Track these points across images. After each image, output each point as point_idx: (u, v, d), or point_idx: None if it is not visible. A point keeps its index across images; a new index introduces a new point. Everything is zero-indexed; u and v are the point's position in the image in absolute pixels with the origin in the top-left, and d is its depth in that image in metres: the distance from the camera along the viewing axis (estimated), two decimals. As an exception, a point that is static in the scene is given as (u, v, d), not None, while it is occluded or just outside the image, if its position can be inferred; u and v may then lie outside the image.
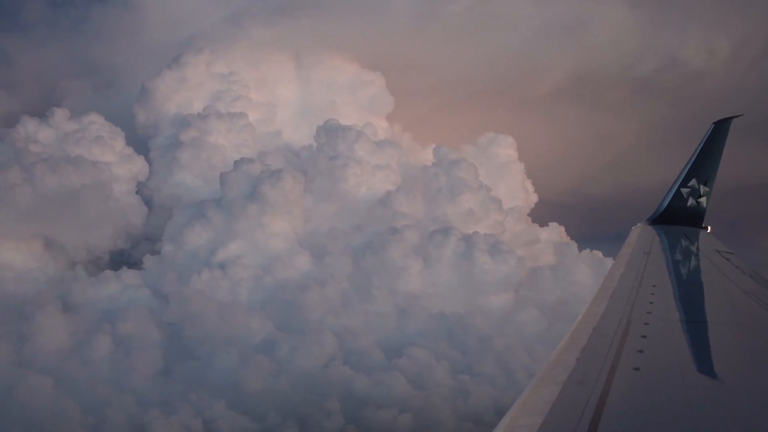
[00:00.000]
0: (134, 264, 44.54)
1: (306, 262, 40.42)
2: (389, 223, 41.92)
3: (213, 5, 64.12)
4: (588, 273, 42.43)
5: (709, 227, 14.23)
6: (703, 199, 14.39)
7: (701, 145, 14.61)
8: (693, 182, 14.35)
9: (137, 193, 47.07)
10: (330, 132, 46.80)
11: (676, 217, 14.37)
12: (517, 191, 51.20)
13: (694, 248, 12.45)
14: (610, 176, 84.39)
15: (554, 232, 50.87)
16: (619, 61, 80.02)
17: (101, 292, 38.67)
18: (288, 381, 32.53)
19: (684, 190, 14.36)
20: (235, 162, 43.16)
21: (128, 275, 40.21)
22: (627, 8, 76.50)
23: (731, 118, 14.69)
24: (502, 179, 49.80)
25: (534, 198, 53.14)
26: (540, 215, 53.99)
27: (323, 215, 44.14)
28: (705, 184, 14.36)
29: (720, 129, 14.63)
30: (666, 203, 14.65)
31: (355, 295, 38.35)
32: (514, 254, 41.56)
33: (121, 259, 46.62)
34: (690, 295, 8.38)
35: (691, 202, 14.31)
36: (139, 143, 48.65)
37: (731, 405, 4.24)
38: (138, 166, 47.22)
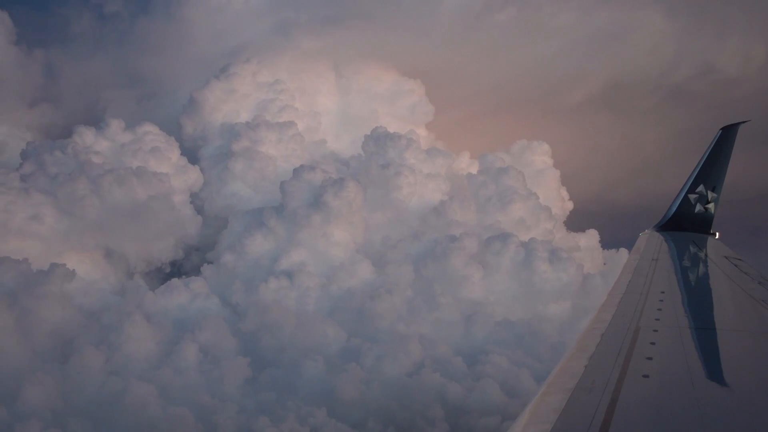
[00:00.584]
0: (191, 273, 44.18)
1: (368, 271, 40.06)
2: (444, 232, 41.57)
3: (258, 16, 63.88)
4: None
5: (717, 233, 13.90)
6: (711, 205, 14.11)
7: (709, 151, 14.30)
8: (701, 188, 14.09)
9: (190, 203, 46.89)
10: (379, 140, 46.59)
11: (684, 224, 14.11)
12: (553, 198, 50.44)
13: (702, 254, 12.09)
14: (635, 183, 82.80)
15: (593, 239, 49.95)
16: (653, 68, 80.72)
17: (171, 301, 38.38)
18: (379, 388, 32.08)
19: (692, 196, 14.09)
20: (295, 170, 43.03)
21: (196, 284, 39.68)
22: (664, 16, 75.66)
23: (739, 123, 14.38)
24: (537, 186, 48.88)
25: (569, 205, 52.39)
26: (570, 222, 53.19)
27: (377, 224, 43.80)
28: (713, 190, 14.08)
29: (727, 135, 14.31)
30: (674, 209, 14.39)
31: (420, 303, 37.77)
32: (573, 261, 40.94)
33: (178, 269, 46.65)
34: (699, 302, 8.19)
35: (699, 208, 14.04)
36: (186, 153, 48.34)
37: (741, 413, 4.24)
38: (193, 176, 47.07)
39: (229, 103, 50.48)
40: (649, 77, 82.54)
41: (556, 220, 47.89)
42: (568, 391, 4.40)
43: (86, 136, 46.29)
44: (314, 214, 40.88)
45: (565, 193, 52.32)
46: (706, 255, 11.93)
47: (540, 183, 49.99)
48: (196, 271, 43.74)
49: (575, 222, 50.59)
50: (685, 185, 14.50)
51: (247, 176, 46.19)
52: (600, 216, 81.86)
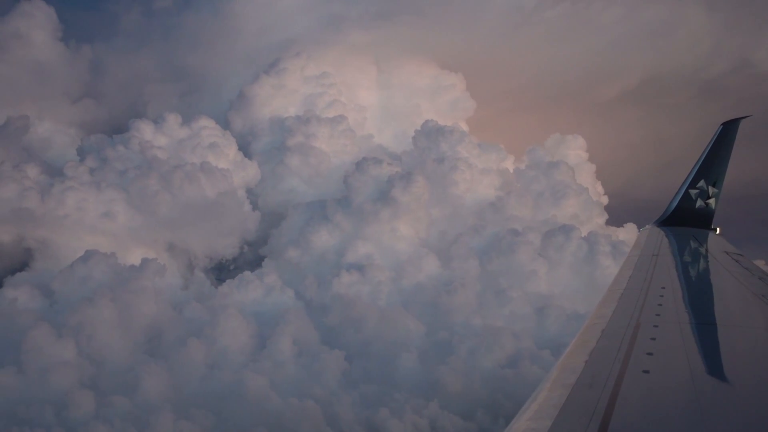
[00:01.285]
0: (248, 268, 42.59)
1: (434, 265, 39.54)
2: (503, 226, 41.03)
3: (304, 11, 63.80)
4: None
5: (718, 228, 13.57)
6: (711, 201, 13.80)
7: (710, 146, 13.97)
8: (702, 183, 13.80)
9: (247, 198, 46.52)
10: (430, 134, 45.92)
11: (685, 219, 13.79)
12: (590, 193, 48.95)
13: (703, 250, 11.81)
14: (663, 179, 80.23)
15: (632, 233, 47.71)
16: (690, 63, 76.77)
17: (245, 295, 37.49)
18: (480, 380, 31.64)
19: (693, 192, 13.80)
20: (357, 163, 42.82)
21: (270, 278, 38.69)
22: (704, 12, 73.83)
23: (740, 119, 14.01)
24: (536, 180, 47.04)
25: (605, 200, 50.79)
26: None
27: (436, 218, 43.17)
28: (714, 185, 13.76)
29: (728, 130, 13.95)
30: (675, 205, 14.08)
31: (491, 296, 37.31)
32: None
33: (235, 264, 45.71)
34: (699, 297, 8.05)
35: (699, 203, 13.75)
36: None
37: (741, 408, 4.23)
38: (251, 171, 46.82)
39: (279, 97, 50.37)
40: (685, 73, 79.36)
41: (606, 215, 46.85)
42: (569, 386, 4.39)
43: (144, 131, 46.23)
44: (379, 207, 40.53)
45: (600, 188, 51.30)
46: (706, 250, 11.69)
47: (576, 177, 48.74)
48: (253, 266, 43.11)
49: (610, 216, 49.45)
50: (686, 180, 14.25)
51: (302, 171, 46.10)
52: (632, 210, 79.80)
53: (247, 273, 39.77)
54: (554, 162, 46.92)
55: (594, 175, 51.23)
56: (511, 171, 48.50)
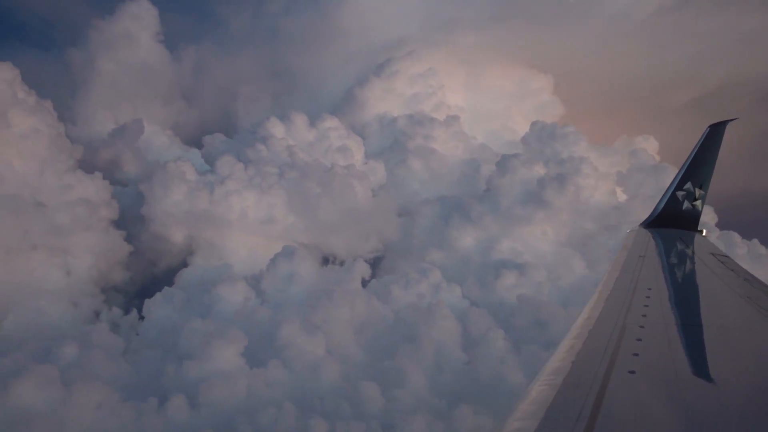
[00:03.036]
0: (388, 266, 41.88)
1: (581, 265, 38.00)
2: (632, 227, 39.35)
3: (411, 12, 63.48)
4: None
5: (704, 230, 13.13)
6: (698, 203, 13.36)
7: (696, 148, 13.45)
8: (688, 185, 13.38)
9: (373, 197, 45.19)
10: (541, 135, 44.63)
11: (672, 221, 13.38)
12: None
13: (689, 251, 11.45)
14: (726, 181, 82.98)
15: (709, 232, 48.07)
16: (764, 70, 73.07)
17: (410, 291, 35.35)
18: None
19: (679, 194, 13.39)
20: (497, 163, 41.95)
21: (433, 274, 36.28)
22: None
23: (726, 121, 13.43)
24: (646, 182, 45.36)
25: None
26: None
27: (568, 218, 41.46)
28: (700, 188, 13.31)
29: (715, 132, 13.40)
30: (661, 206, 13.67)
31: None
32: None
33: (380, 262, 44.04)
34: (685, 299, 7.77)
35: (686, 205, 13.34)
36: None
37: (726, 408, 4.13)
38: (380, 172, 46.08)
39: (388, 98, 49.88)
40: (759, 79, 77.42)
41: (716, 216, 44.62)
42: (555, 387, 4.30)
43: (273, 130, 46.03)
44: (523, 206, 39.25)
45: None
46: (693, 252, 11.39)
47: (647, 179, 46.74)
48: (396, 264, 41.86)
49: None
50: (672, 182, 13.80)
51: (421, 171, 45.42)
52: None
53: (409, 272, 37.59)
54: (659, 165, 45.43)
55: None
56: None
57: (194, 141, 54.50)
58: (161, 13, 58.57)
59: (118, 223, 42.27)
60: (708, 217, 42.81)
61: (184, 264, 41.66)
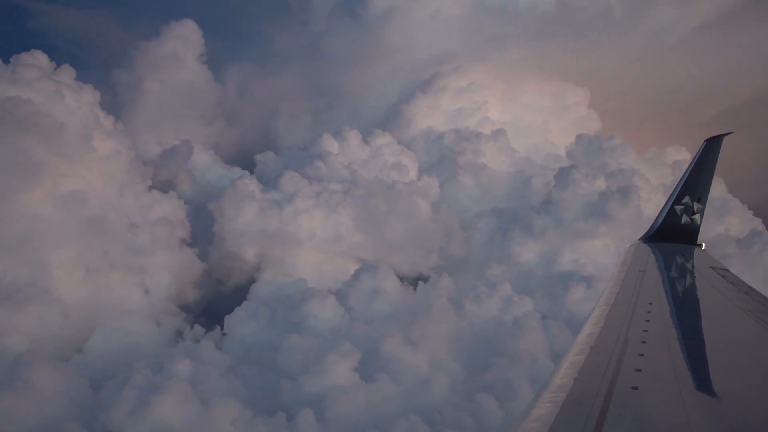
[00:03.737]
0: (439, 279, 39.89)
1: None
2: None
3: (455, 28, 62.29)
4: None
5: (703, 244, 12.77)
6: (696, 216, 13.10)
7: (694, 162, 13.20)
8: (686, 199, 13.11)
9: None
10: (589, 147, 44.19)
11: (671, 235, 13.06)
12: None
13: (689, 265, 11.20)
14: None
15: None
16: None
17: (483, 306, 34.85)
18: None
19: (678, 207, 13.11)
20: (556, 175, 41.43)
21: (504, 287, 35.81)
22: None
23: (723, 135, 13.18)
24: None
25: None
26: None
27: (620, 229, 40.13)
28: (698, 201, 13.07)
29: (712, 146, 13.15)
30: (660, 221, 13.33)
31: None
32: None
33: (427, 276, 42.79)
34: (686, 313, 7.61)
35: (685, 219, 13.06)
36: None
37: (730, 423, 4.09)
38: (434, 187, 46.04)
39: (434, 113, 49.94)
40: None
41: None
42: (558, 404, 4.26)
43: (328, 146, 46.54)
44: (581, 218, 38.75)
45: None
46: (692, 266, 11.14)
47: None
48: (454, 278, 39.64)
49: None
50: (670, 197, 13.48)
51: (471, 185, 45.56)
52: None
53: (477, 285, 36.80)
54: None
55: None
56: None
57: (234, 159, 55.79)
58: (205, 33, 59.59)
59: (189, 242, 43.40)
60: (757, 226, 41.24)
61: (252, 280, 42.25)
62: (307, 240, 40.98)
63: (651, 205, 41.50)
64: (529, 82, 56.60)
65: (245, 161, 56.47)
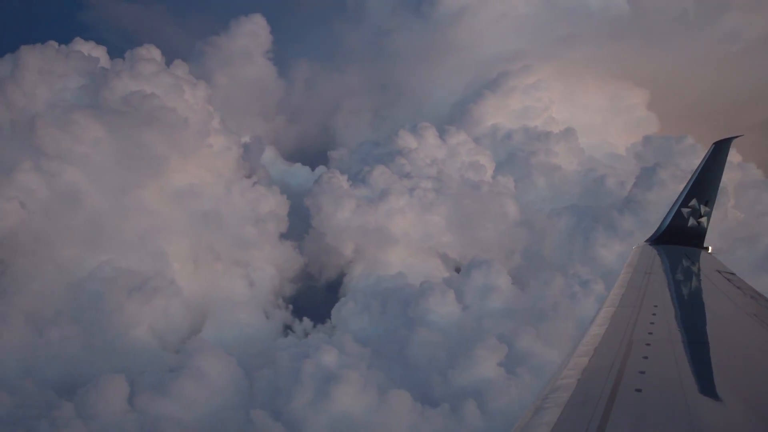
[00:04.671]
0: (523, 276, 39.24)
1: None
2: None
3: (524, 28, 61.22)
4: None
5: (710, 247, 12.41)
6: (703, 219, 12.77)
7: (701, 165, 12.91)
8: (693, 202, 12.78)
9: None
10: (656, 148, 42.84)
11: (677, 237, 12.76)
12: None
13: (695, 268, 10.92)
14: None
15: None
16: None
17: (578, 304, 33.66)
18: None
19: (685, 210, 12.82)
20: (639, 176, 40.68)
21: (596, 284, 34.70)
22: None
23: (731, 138, 12.85)
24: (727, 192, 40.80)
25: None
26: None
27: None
28: (705, 204, 12.76)
29: (720, 149, 12.81)
30: (667, 223, 13.02)
31: None
32: None
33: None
34: (691, 316, 7.46)
35: (691, 222, 12.75)
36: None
37: (734, 427, 4.10)
38: (511, 185, 45.14)
39: (501, 111, 49.36)
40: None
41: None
42: (561, 405, 4.23)
43: (406, 142, 46.29)
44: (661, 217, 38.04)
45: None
46: (698, 269, 10.94)
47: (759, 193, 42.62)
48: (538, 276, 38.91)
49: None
50: (677, 199, 13.20)
51: (543, 183, 45.17)
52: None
53: (556, 274, 36.07)
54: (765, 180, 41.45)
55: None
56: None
57: (292, 156, 55.42)
58: (272, 29, 58.74)
59: (287, 235, 43.74)
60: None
61: (342, 274, 42.48)
62: (400, 236, 41.00)
63: (727, 207, 39.94)
64: (589, 83, 55.73)
65: (304, 157, 56.28)
